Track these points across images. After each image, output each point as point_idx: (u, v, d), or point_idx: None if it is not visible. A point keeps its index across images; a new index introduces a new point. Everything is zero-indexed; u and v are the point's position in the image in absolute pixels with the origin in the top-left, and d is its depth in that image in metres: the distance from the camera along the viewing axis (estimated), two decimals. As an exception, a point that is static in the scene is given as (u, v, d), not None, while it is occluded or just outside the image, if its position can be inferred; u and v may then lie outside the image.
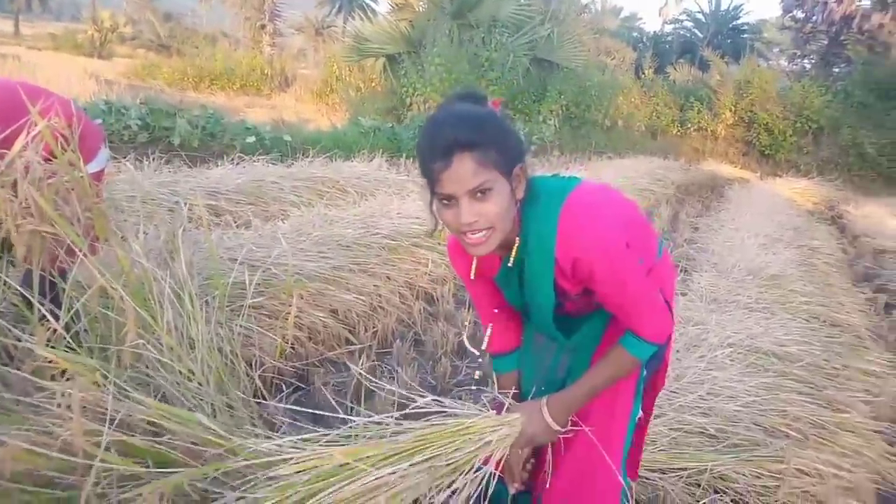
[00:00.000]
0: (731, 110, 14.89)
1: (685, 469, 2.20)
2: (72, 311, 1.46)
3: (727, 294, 3.99)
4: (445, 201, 1.12)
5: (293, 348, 2.68)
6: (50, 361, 1.32)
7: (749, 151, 14.76)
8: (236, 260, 2.84)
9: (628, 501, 1.46)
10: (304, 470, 1.19)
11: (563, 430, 1.32)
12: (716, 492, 2.15)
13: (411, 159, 7.27)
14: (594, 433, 1.36)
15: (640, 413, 1.44)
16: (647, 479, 2.16)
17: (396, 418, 1.33)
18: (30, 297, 1.38)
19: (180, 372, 1.60)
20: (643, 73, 17.08)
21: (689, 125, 15.38)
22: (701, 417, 2.45)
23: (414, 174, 6.30)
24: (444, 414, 1.37)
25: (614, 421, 1.38)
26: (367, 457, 1.20)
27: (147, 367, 1.57)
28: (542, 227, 1.20)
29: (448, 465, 1.24)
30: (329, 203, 4.91)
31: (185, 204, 3.63)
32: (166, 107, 6.17)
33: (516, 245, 1.24)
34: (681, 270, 4.63)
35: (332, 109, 14.98)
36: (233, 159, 5.43)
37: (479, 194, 1.10)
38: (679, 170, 10.47)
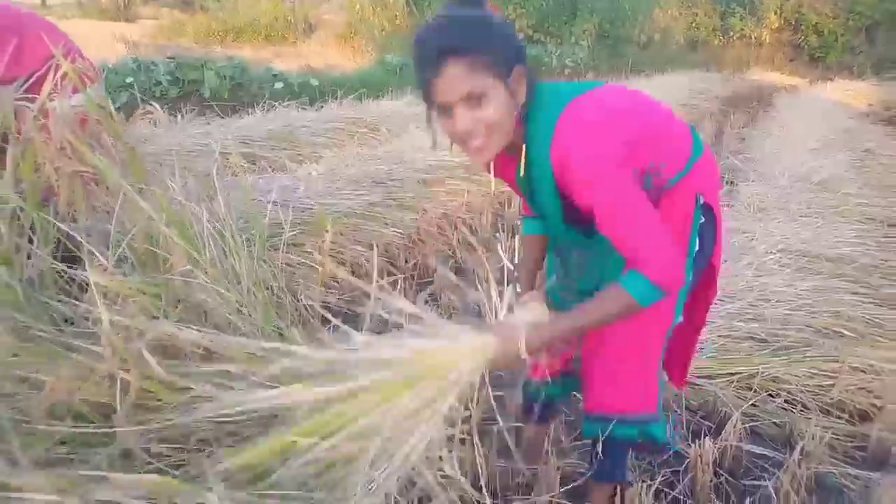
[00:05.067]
0: (776, 13, 14.00)
1: (735, 373, 2.19)
2: (119, 249, 1.51)
3: (775, 202, 3.86)
4: (441, 110, 1.10)
5: (336, 282, 2.73)
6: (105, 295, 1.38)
7: (797, 56, 13.95)
8: (274, 202, 2.89)
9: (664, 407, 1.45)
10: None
11: (532, 358, 1.17)
12: (768, 394, 2.14)
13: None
14: (627, 337, 1.33)
15: (681, 319, 1.40)
16: (696, 384, 2.15)
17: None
18: (80, 238, 1.43)
19: (228, 304, 1.65)
20: (680, -18, 16.13)
21: (732, 33, 14.55)
22: (751, 323, 2.42)
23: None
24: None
25: (649, 326, 1.34)
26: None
27: (195, 299, 1.62)
28: (541, 139, 1.15)
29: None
30: (361, 142, 4.89)
31: (218, 150, 3.67)
32: (193, 61, 6.18)
33: (523, 152, 1.20)
34: (727, 182, 4.48)
35: (358, 52, 14.74)
36: (263, 106, 5.44)
37: (473, 101, 1.07)
38: (722, 82, 10.00)
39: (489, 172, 1.30)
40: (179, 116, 4.73)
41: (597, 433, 1.42)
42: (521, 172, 1.22)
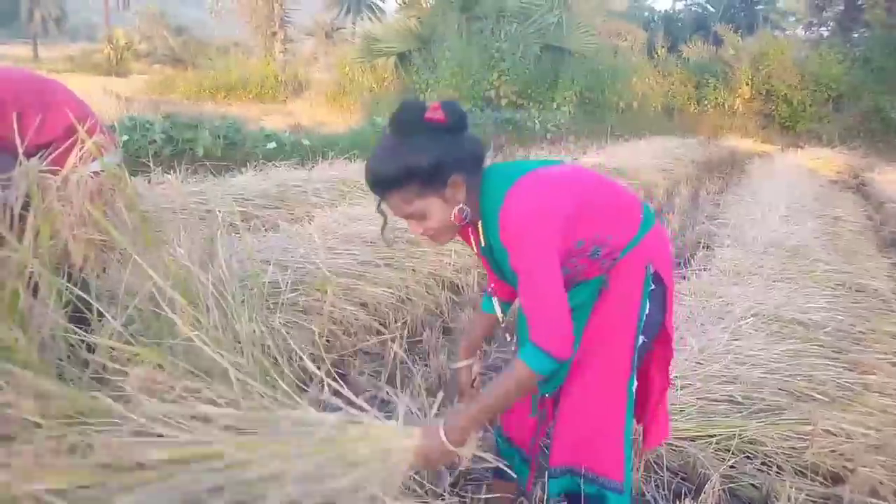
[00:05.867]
0: (747, 84, 14.72)
1: (714, 436, 2.26)
2: (127, 311, 1.58)
3: (750, 266, 4.02)
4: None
5: (328, 341, 2.79)
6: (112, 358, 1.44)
7: (769, 124, 14.59)
8: (268, 261, 2.97)
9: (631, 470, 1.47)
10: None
11: (458, 449, 1.19)
12: (745, 455, 2.21)
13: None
14: (591, 403, 1.42)
15: (636, 384, 1.45)
16: (677, 446, 2.23)
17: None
18: (90, 301, 1.50)
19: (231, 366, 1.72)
20: (656, 53, 16.93)
21: (706, 102, 15.23)
22: (727, 385, 2.51)
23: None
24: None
25: (610, 392, 1.43)
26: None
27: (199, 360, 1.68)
28: (491, 213, 1.30)
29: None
30: (352, 202, 5.03)
31: (216, 211, 3.77)
32: (188, 119, 6.35)
33: (479, 227, 1.36)
34: (703, 247, 4.66)
35: (347, 111, 15.16)
36: (256, 166, 5.59)
37: (415, 217, 1.28)
38: (697, 147, 10.41)
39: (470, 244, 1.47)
40: (174, 175, 4.83)
41: (562, 489, 1.48)
42: (482, 243, 1.38)
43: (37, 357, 1.44)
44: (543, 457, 1.64)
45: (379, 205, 1.31)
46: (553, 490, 1.49)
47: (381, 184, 1.24)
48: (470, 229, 1.41)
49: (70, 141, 1.55)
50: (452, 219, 1.28)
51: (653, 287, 1.42)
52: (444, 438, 1.15)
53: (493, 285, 1.62)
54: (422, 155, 1.22)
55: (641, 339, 1.43)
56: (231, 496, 1.02)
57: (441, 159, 1.23)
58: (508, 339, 1.64)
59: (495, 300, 1.59)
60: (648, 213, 1.46)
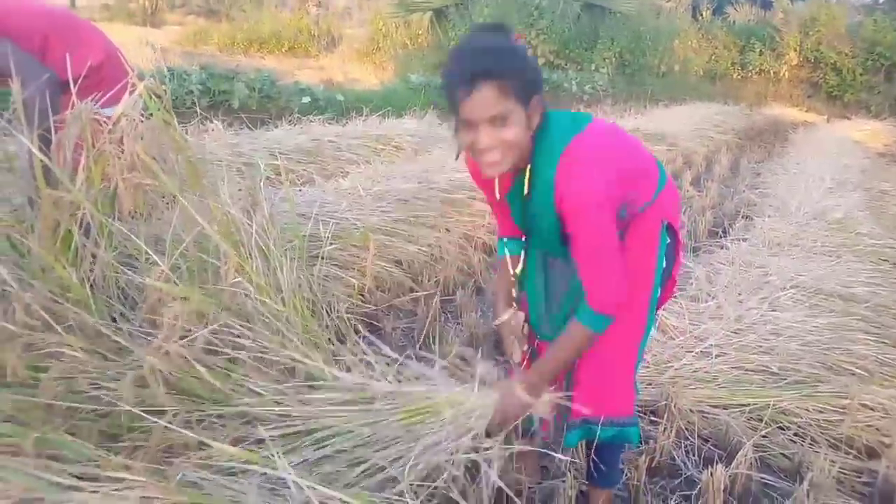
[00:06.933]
0: (795, 50, 14.12)
1: (748, 405, 2.25)
2: (175, 256, 1.61)
3: (791, 238, 3.93)
4: (468, 124, 1.22)
5: (362, 295, 2.83)
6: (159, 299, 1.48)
7: (815, 93, 14.04)
8: (304, 215, 3.00)
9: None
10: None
11: (534, 402, 1.33)
12: (779, 426, 2.20)
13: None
14: (608, 342, 1.43)
15: (653, 331, 1.54)
16: (709, 413, 2.22)
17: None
18: (140, 244, 1.53)
19: (270, 312, 1.75)
20: (701, 15, 16.29)
21: (751, 68, 14.67)
22: (763, 356, 2.48)
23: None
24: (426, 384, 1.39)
25: (629, 335, 1.48)
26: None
27: (242, 305, 1.72)
28: (546, 164, 1.30)
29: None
30: (385, 160, 5.01)
31: (256, 163, 3.79)
32: (224, 71, 6.35)
33: (528, 172, 1.35)
34: (742, 217, 4.56)
35: (380, 68, 14.97)
36: (290, 120, 5.59)
37: (497, 121, 1.20)
38: (740, 115, 10.09)
39: (485, 186, 1.46)
40: (211, 126, 4.86)
41: (578, 441, 1.53)
42: (525, 190, 1.36)
43: (90, 296, 1.49)
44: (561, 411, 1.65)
45: (455, 127, 1.25)
46: (571, 441, 1.53)
47: (490, 67, 1.17)
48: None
49: (121, 85, 1.57)
50: (526, 139, 1.27)
51: (668, 241, 1.47)
52: (520, 393, 1.30)
53: (503, 233, 1.63)
54: (530, 59, 1.25)
55: (658, 291, 1.49)
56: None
57: (536, 71, 1.26)
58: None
59: (508, 256, 1.61)
60: (662, 170, 1.52)
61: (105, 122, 1.55)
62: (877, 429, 2.18)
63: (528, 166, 1.34)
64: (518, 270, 1.58)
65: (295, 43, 19.92)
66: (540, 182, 1.32)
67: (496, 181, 1.43)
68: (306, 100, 6.70)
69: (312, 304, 2.07)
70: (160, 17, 26.89)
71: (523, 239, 1.59)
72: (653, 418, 2.22)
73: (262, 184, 2.11)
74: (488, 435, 1.31)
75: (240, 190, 2.10)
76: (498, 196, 1.45)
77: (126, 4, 26.94)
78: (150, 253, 1.55)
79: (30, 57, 1.67)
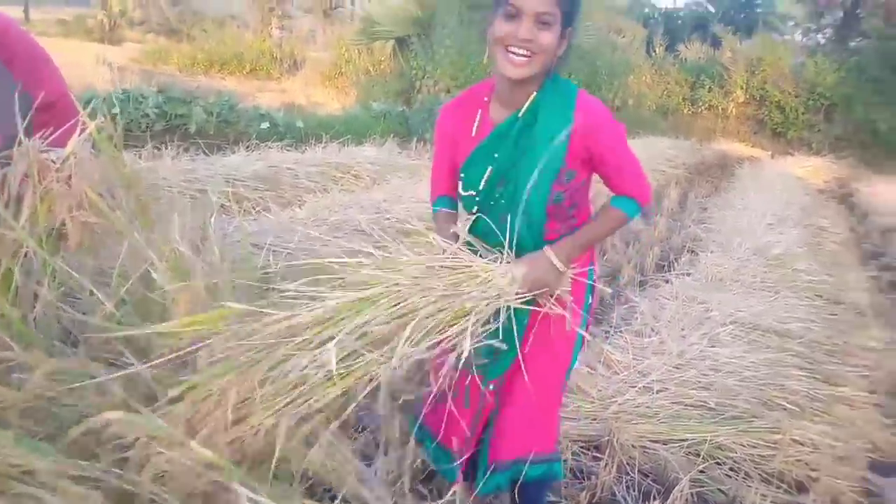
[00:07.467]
0: (742, 88, 14.76)
1: (686, 440, 2.33)
2: (121, 293, 1.60)
3: (733, 273, 4.09)
4: (511, 15, 1.29)
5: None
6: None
7: (761, 130, 14.66)
8: (258, 245, 2.99)
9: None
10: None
11: (566, 273, 1.41)
12: (715, 461, 2.29)
13: (422, 143, 7.36)
14: (537, 381, 1.49)
15: (577, 364, 1.61)
16: (649, 448, 2.29)
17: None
18: (82, 282, 1.52)
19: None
20: (654, 51, 16.92)
21: (701, 104, 15.27)
22: (702, 391, 2.58)
23: (425, 157, 6.41)
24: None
25: (557, 371, 1.54)
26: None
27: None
28: (562, 93, 1.40)
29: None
30: (343, 188, 5.04)
31: (209, 192, 3.77)
32: (182, 94, 6.29)
33: (532, 96, 1.41)
34: (687, 251, 4.73)
35: (342, 93, 15.03)
36: (248, 146, 5.57)
37: (540, 23, 1.29)
38: (689, 150, 10.47)
39: (458, 127, 1.51)
40: (165, 151, 4.81)
41: (502, 483, 1.53)
42: (521, 113, 1.41)
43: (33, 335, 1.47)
44: (483, 454, 1.61)
45: None
46: (497, 483, 1.53)
47: None
48: (484, 107, 1.47)
49: (71, 123, 1.56)
50: (552, 58, 1.35)
51: (594, 280, 1.56)
52: (555, 260, 1.37)
53: (441, 191, 1.62)
54: None
55: (586, 326, 1.56)
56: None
57: (580, 11, 1.39)
58: None
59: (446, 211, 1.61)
60: None
61: (53, 161, 1.54)
62: (806, 463, 2.29)
63: (533, 95, 1.41)
64: (463, 233, 1.49)
65: (257, 65, 19.84)
66: (550, 119, 1.38)
67: (476, 119, 1.47)
68: (265, 125, 6.68)
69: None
70: (119, 34, 26.41)
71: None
72: (595, 454, 2.28)
73: (212, 218, 2.10)
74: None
75: (186, 223, 2.09)
76: (475, 132, 1.47)
77: (83, 20, 26.42)
78: (95, 290, 1.54)
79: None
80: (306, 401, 1.23)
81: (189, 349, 1.32)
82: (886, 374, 3.02)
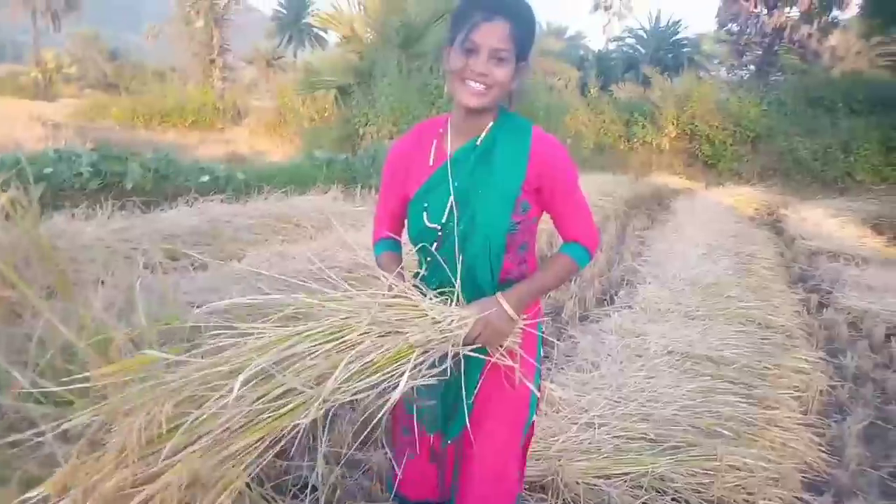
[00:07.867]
0: (673, 123, 15.49)
1: (628, 473, 2.37)
2: (38, 368, 1.55)
3: (669, 304, 4.23)
4: (469, 49, 1.34)
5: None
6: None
7: (693, 162, 15.35)
8: (193, 303, 2.93)
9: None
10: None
11: (517, 321, 1.42)
12: (657, 492, 2.33)
13: (367, 190, 7.41)
14: (495, 438, 1.49)
15: (535, 418, 1.60)
16: (593, 485, 2.32)
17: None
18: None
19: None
20: (589, 92, 17.65)
21: (635, 140, 15.93)
22: (642, 423, 2.64)
23: (370, 204, 6.45)
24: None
25: (514, 427, 1.54)
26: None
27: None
28: (518, 125, 1.45)
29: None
30: (285, 239, 5.01)
31: (141, 251, 3.70)
32: (118, 151, 6.20)
33: (489, 126, 1.45)
34: (626, 283, 4.87)
35: (287, 141, 15.06)
36: (187, 200, 5.50)
37: (496, 59, 1.34)
38: (626, 184, 10.86)
39: (414, 158, 1.51)
40: (100, 210, 4.71)
41: None
42: (479, 141, 1.44)
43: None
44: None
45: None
46: None
47: (513, 9, 1.34)
48: (440, 138, 1.49)
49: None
50: (505, 91, 1.39)
51: (544, 331, 1.58)
52: (506, 307, 1.38)
53: (383, 232, 1.62)
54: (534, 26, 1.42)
55: (539, 381, 1.57)
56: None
57: (532, 47, 1.41)
58: None
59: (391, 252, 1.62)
60: None
61: None
62: (743, 488, 2.35)
63: (490, 125, 1.45)
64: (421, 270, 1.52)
65: (199, 116, 19.73)
66: (507, 151, 1.42)
67: (432, 149, 1.48)
68: (205, 178, 6.62)
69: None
70: (54, 90, 25.93)
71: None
72: (541, 494, 2.29)
73: (138, 280, 2.07)
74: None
75: (114, 285, 2.06)
76: (432, 161, 1.47)
77: (16, 78, 25.85)
78: (9, 368, 1.49)
79: None
80: (223, 447, 1.20)
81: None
82: (816, 394, 3.15)
